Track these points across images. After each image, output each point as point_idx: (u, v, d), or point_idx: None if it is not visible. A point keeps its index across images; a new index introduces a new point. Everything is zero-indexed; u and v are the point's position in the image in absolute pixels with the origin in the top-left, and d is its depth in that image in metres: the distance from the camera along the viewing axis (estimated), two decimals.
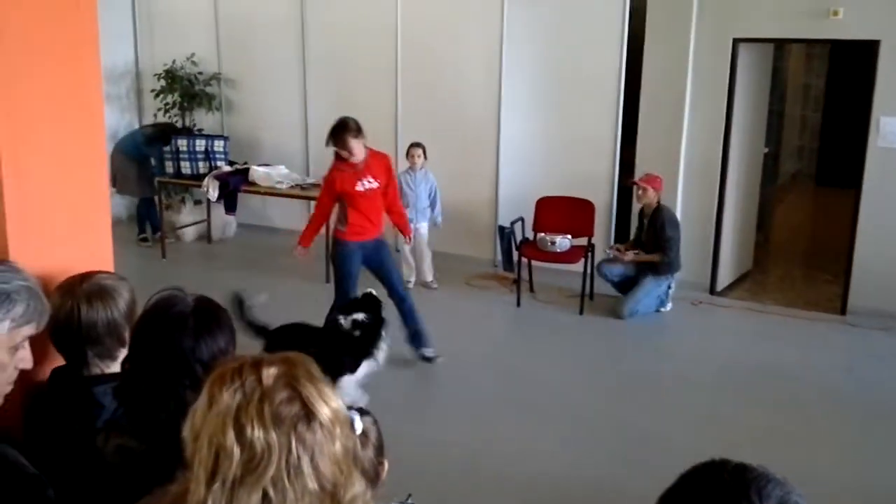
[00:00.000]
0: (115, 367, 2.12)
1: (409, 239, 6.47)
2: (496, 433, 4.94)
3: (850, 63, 10.86)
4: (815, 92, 12.61)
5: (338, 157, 5.54)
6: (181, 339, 1.77)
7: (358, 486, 1.35)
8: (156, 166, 8.51)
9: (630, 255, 6.93)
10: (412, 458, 4.11)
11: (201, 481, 1.27)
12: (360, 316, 5.01)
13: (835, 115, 12.23)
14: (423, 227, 7.46)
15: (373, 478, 2.39)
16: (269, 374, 1.30)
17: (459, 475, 4.48)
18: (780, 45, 8.35)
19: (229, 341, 1.83)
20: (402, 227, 6.08)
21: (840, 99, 11.84)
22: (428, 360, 5.81)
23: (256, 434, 1.24)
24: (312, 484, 1.26)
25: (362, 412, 2.51)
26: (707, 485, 1.23)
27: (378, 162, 5.64)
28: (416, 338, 5.80)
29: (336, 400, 1.35)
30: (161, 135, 8.53)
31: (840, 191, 9.69)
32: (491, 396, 5.46)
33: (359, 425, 2.34)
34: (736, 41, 6.94)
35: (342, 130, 5.44)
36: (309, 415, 1.28)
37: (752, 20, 6.87)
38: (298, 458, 1.25)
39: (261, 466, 1.24)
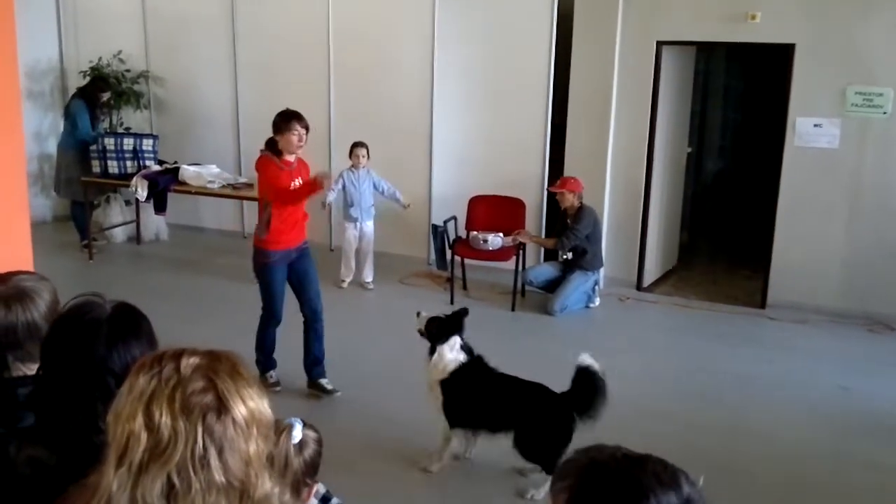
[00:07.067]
0: None
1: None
2: (431, 429, 5.00)
3: (768, 66, 11.24)
4: (736, 93, 13.00)
5: (274, 151, 5.14)
6: (93, 347, 1.67)
7: (269, 485, 1.34)
8: (94, 125, 8.26)
9: (527, 237, 7.16)
10: (346, 458, 4.16)
11: (111, 464, 1.27)
12: None
13: (754, 116, 12.63)
14: (369, 226, 7.46)
15: (294, 486, 2.39)
16: (189, 363, 1.30)
17: (395, 474, 4.54)
18: (702, 47, 8.61)
19: (146, 351, 1.70)
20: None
21: (758, 100, 12.24)
22: (327, 392, 5.34)
23: (164, 420, 1.24)
24: (219, 477, 1.26)
25: (309, 427, 2.49)
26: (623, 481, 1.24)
27: (304, 165, 5.33)
28: (317, 365, 5.39)
29: (259, 401, 1.33)
30: (89, 89, 8.31)
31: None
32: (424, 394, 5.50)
33: (297, 434, 2.35)
34: (659, 44, 7.14)
35: (300, 118, 5.10)
36: (221, 408, 1.27)
37: (675, 23, 7.07)
38: (205, 449, 1.25)
39: (166, 453, 1.23)
